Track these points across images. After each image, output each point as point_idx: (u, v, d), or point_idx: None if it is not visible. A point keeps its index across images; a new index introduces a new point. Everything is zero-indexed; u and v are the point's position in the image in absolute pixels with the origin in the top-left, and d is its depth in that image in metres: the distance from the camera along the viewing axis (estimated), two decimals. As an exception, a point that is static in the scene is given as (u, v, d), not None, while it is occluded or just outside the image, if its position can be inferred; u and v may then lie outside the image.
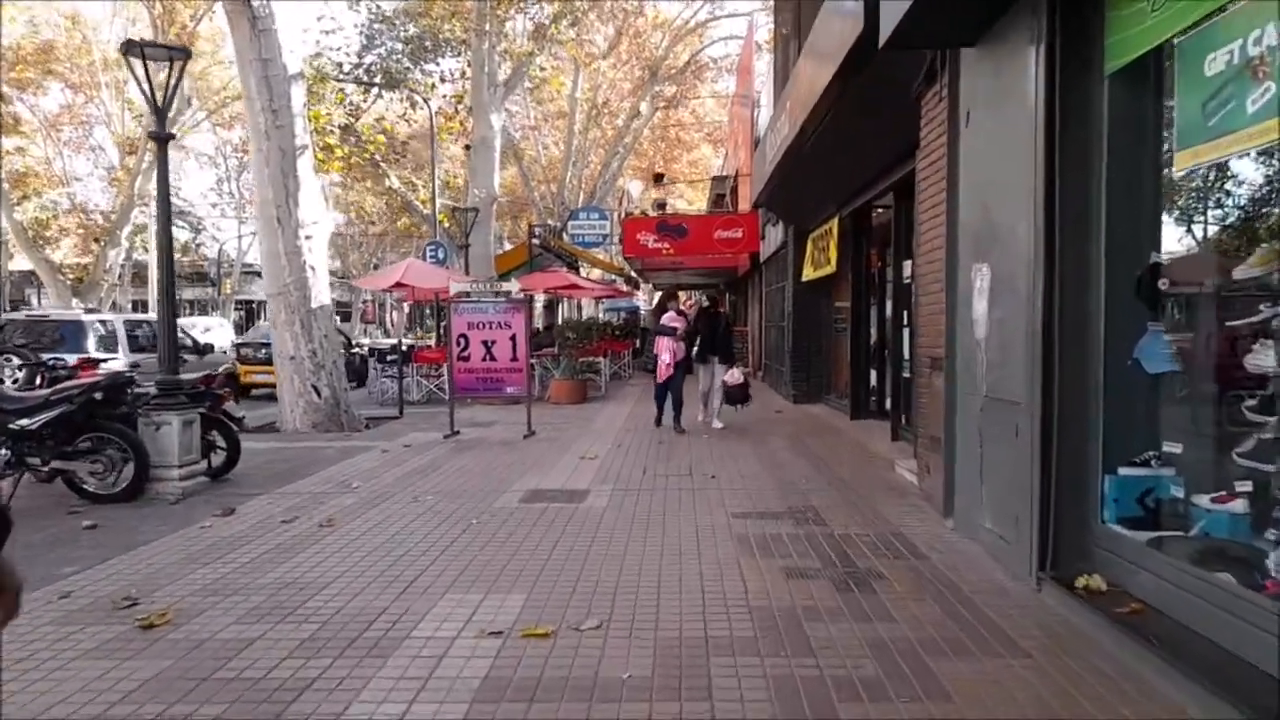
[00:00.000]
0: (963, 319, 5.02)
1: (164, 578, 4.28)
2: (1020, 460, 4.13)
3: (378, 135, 17.78)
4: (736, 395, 9.87)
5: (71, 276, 30.66)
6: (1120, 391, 3.82)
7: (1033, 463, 4.00)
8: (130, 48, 5.99)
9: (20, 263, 35.49)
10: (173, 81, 6.27)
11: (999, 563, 4.35)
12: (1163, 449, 3.78)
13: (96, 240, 29.98)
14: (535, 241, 20.51)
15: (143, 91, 6.13)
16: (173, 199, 6.61)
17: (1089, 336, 3.89)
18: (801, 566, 4.35)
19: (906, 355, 8.40)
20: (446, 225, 20.64)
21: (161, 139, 6.36)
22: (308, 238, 10.38)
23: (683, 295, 32.95)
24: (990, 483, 4.56)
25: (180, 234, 45.33)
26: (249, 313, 55.84)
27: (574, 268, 26.66)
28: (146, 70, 6.12)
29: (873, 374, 10.54)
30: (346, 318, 57.96)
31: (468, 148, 19.68)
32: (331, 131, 15.18)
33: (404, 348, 14.20)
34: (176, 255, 32.93)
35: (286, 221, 10.27)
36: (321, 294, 10.54)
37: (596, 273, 31.29)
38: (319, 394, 10.41)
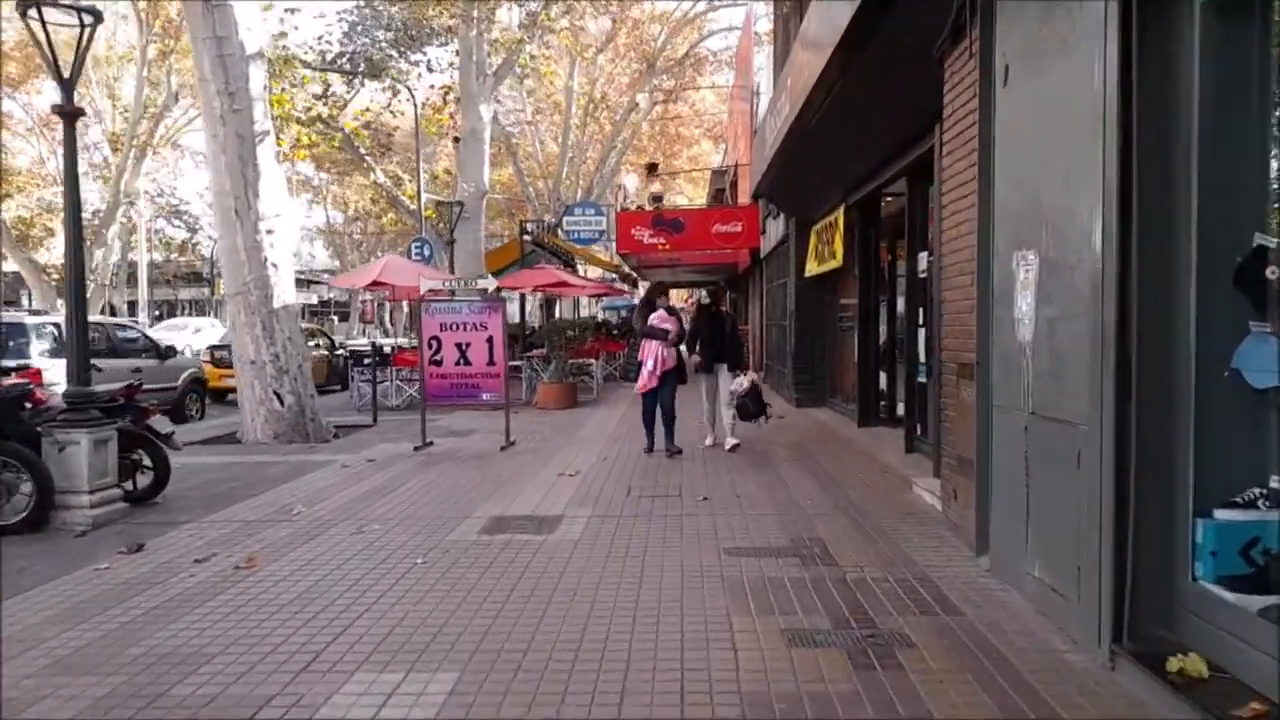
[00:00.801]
0: (1000, 318, 4.17)
1: (16, 645, 3.45)
2: (1083, 496, 3.28)
3: (350, 123, 16.86)
4: (751, 408, 8.15)
5: (56, 277, 29.97)
6: (1215, 411, 2.98)
7: (1100, 501, 3.15)
8: (26, 3, 5.14)
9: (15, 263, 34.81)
10: (82, 47, 5.44)
11: (1052, 622, 3.51)
12: (1271, 485, 2.94)
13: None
14: (527, 238, 19.64)
15: (43, 56, 5.30)
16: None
17: (1174, 341, 3.04)
18: (808, 628, 3.51)
19: (922, 358, 7.56)
20: (435, 221, 19.81)
21: (68, 114, 5.52)
22: (269, 232, 9.56)
23: (679, 294, 31.77)
24: (1040, 521, 3.71)
25: (176, 233, 44.68)
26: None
27: (570, 265, 25.80)
28: (46, 32, 5.27)
29: (882, 377, 9.70)
30: (345, 318, 57.14)
31: (456, 140, 18.85)
32: (299, 118, 14.33)
33: (382, 350, 13.37)
34: (173, 255, 32.16)
35: (245, 214, 9.46)
36: (285, 293, 9.71)
37: (596, 271, 30.42)
38: (281, 401, 9.59)
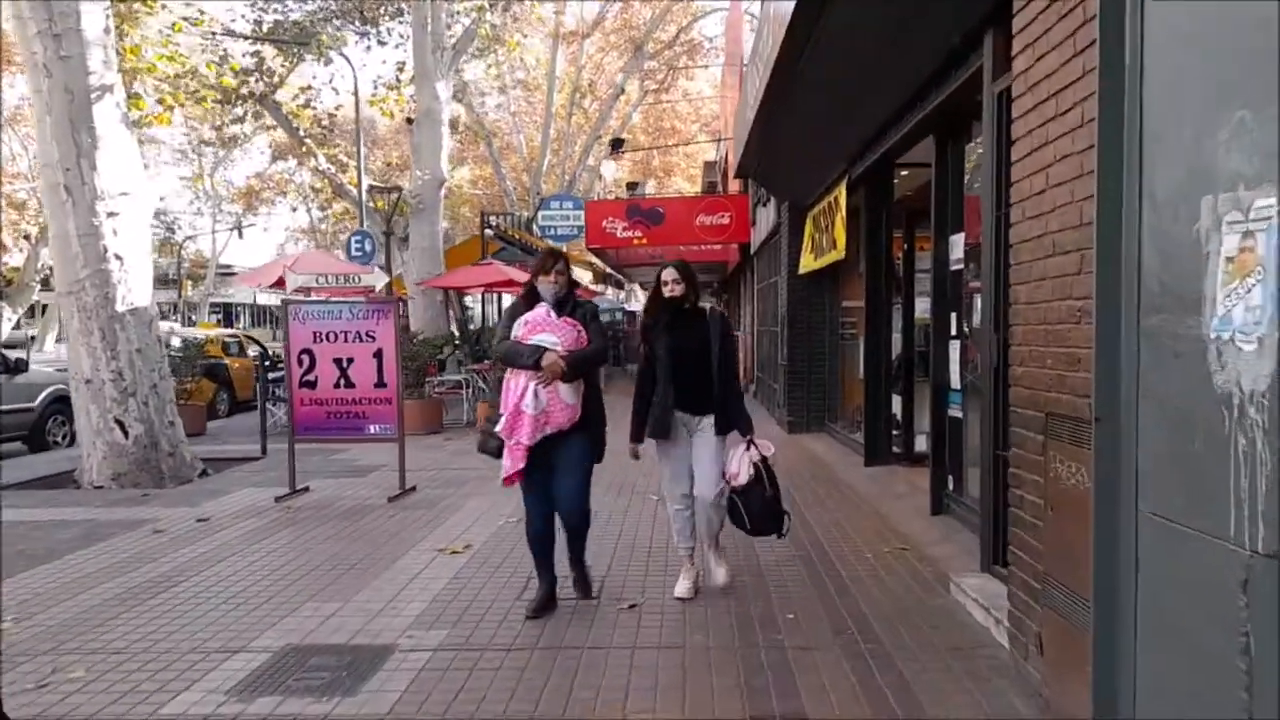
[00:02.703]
0: (1159, 334, 2.05)
1: None
2: None
3: (225, 80, 14.70)
4: (757, 511, 3.92)
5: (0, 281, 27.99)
6: None
7: None
8: None
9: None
10: None
11: None
12: None
13: (26, 237, 27.27)
14: (490, 233, 17.53)
15: None
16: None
17: None
18: None
19: (955, 381, 5.45)
20: (393, 212, 17.70)
21: None
22: (111, 215, 7.49)
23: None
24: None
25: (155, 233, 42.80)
26: (228, 315, 52.95)
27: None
28: None
29: (895, 401, 7.58)
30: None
31: (410, 121, 16.75)
32: (164, 74, 12.17)
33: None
34: (154, 256, 30.24)
35: (79, 192, 7.39)
36: (133, 293, 7.62)
37: (588, 276, 28.22)
38: (125, 432, 7.49)
